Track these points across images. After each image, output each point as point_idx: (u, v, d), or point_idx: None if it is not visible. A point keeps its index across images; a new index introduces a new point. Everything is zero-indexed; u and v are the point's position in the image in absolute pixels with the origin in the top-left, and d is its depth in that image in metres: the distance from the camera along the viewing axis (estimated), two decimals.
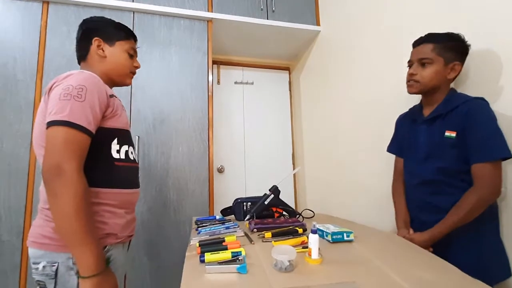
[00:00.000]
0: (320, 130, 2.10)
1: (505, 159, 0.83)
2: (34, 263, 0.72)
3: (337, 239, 0.84)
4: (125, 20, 1.66)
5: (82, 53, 0.89)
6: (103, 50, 0.88)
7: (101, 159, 0.78)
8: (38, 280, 0.72)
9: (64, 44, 1.55)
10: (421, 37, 0.97)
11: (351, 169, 1.69)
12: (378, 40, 1.47)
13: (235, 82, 2.44)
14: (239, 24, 1.89)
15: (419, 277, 0.61)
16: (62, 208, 0.65)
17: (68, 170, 0.66)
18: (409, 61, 1.00)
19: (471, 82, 1.00)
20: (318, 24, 2.05)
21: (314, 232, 0.70)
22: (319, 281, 0.60)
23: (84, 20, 0.91)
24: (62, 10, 1.58)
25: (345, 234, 0.85)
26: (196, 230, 0.99)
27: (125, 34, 0.92)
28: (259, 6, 1.93)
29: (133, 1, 1.68)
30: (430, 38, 0.95)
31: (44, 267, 0.71)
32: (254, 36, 2.08)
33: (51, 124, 0.69)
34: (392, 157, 1.18)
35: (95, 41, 0.87)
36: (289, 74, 2.61)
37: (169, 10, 1.72)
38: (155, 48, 1.70)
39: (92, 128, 0.73)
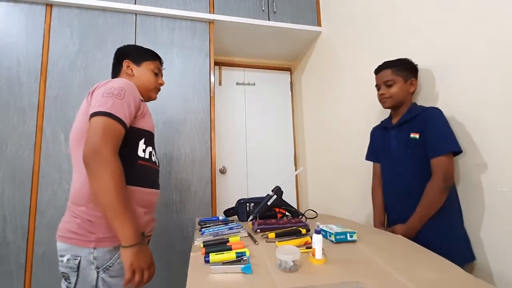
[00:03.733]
0: (322, 130, 2.10)
1: (456, 154, 1.01)
2: (60, 256, 0.79)
3: (341, 239, 0.85)
4: (128, 22, 1.68)
5: (115, 74, 1.03)
6: (131, 70, 1.00)
7: (126, 156, 0.83)
8: (62, 272, 0.79)
9: (67, 47, 1.57)
10: (379, 66, 1.20)
11: (353, 169, 1.70)
12: (379, 41, 1.48)
13: (237, 83, 2.45)
14: (240, 25, 1.90)
15: (423, 277, 0.61)
16: (102, 185, 0.73)
17: (105, 153, 0.74)
18: (376, 85, 1.22)
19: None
20: (319, 24, 2.06)
21: (317, 232, 0.70)
22: (323, 281, 0.61)
23: (118, 48, 1.05)
24: (65, 13, 1.59)
25: (348, 234, 0.85)
26: (200, 230, 0.99)
27: (151, 56, 1.05)
28: (260, 7, 1.93)
29: (135, 3, 1.69)
30: (387, 64, 1.17)
31: (68, 260, 0.77)
32: (255, 37, 2.09)
33: (94, 114, 0.78)
34: None
35: (125, 63, 1.00)
36: (291, 74, 2.61)
37: (171, 12, 1.73)
38: (157, 49, 1.65)
39: (127, 121, 0.82)
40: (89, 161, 0.73)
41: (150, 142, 0.94)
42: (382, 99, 1.19)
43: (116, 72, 1.03)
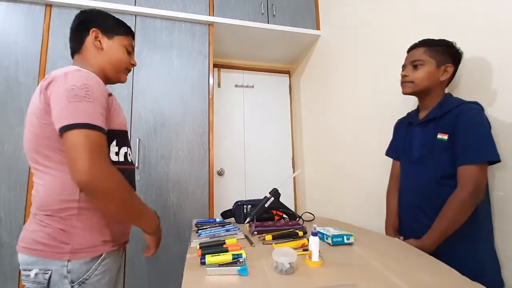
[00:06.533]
0: (320, 134, 2.10)
1: (493, 163, 0.84)
2: (24, 270, 0.70)
3: (337, 241, 0.85)
4: (127, 24, 1.67)
5: (77, 45, 0.84)
6: (100, 42, 0.83)
7: None
8: None
9: (67, 47, 1.53)
10: (414, 43, 1.01)
11: (351, 172, 1.70)
12: (378, 44, 1.48)
13: (236, 86, 2.46)
14: (240, 28, 1.91)
15: (419, 280, 0.61)
16: (117, 205, 0.69)
17: (104, 168, 0.66)
18: (403, 66, 1.04)
19: (465, 88, 1.02)
20: (318, 28, 2.07)
21: (314, 234, 0.70)
22: (319, 284, 0.60)
23: (81, 11, 0.86)
24: (64, 13, 1.59)
25: (345, 237, 0.85)
26: (197, 232, 0.99)
27: (125, 29, 0.89)
28: (260, 10, 1.94)
29: (135, 5, 1.69)
30: (422, 42, 0.99)
31: (36, 274, 0.68)
32: (254, 40, 2.10)
33: (69, 127, 0.64)
34: (391, 160, 1.19)
35: (93, 32, 0.82)
36: (290, 77, 2.62)
37: (171, 14, 1.73)
38: (156, 51, 1.71)
39: (105, 127, 0.71)
40: (92, 185, 0.64)
41: (123, 142, 0.82)
42: (403, 82, 1.01)
43: (78, 40, 0.83)
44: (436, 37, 0.99)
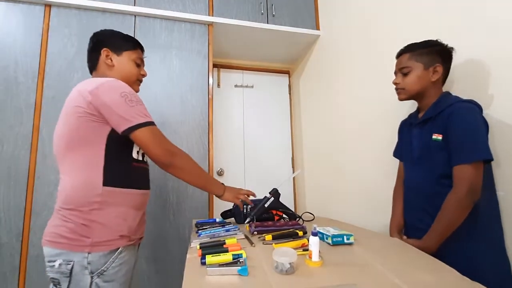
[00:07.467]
0: (319, 134, 2.10)
1: (487, 161, 0.84)
2: (49, 261, 0.76)
3: (337, 241, 0.85)
4: (127, 24, 1.68)
5: (93, 63, 0.95)
6: (111, 60, 0.93)
7: (121, 159, 0.84)
8: (52, 278, 0.76)
9: (66, 47, 1.56)
10: (400, 50, 1.03)
11: (350, 172, 1.70)
12: (377, 44, 1.49)
13: (235, 86, 2.45)
14: (239, 28, 1.90)
15: (419, 279, 0.61)
16: (192, 171, 0.92)
17: (173, 149, 0.88)
18: (394, 72, 1.05)
19: (462, 88, 1.02)
20: (317, 28, 2.07)
21: (314, 234, 0.70)
22: (319, 283, 0.60)
23: (94, 33, 0.97)
24: (64, 13, 1.59)
25: (345, 237, 0.85)
26: (197, 232, 0.99)
27: (132, 44, 0.98)
28: (259, 11, 1.94)
29: (134, 5, 1.69)
30: (406, 48, 1.01)
31: (60, 265, 0.74)
32: (254, 40, 2.10)
33: (139, 126, 0.80)
34: (392, 160, 1.20)
35: (104, 52, 0.92)
36: (289, 77, 2.62)
37: (170, 14, 1.73)
38: (156, 51, 1.71)
39: None
40: (171, 163, 0.86)
41: None
42: (396, 89, 1.04)
43: (93, 60, 0.95)
44: (436, 37, 0.99)
